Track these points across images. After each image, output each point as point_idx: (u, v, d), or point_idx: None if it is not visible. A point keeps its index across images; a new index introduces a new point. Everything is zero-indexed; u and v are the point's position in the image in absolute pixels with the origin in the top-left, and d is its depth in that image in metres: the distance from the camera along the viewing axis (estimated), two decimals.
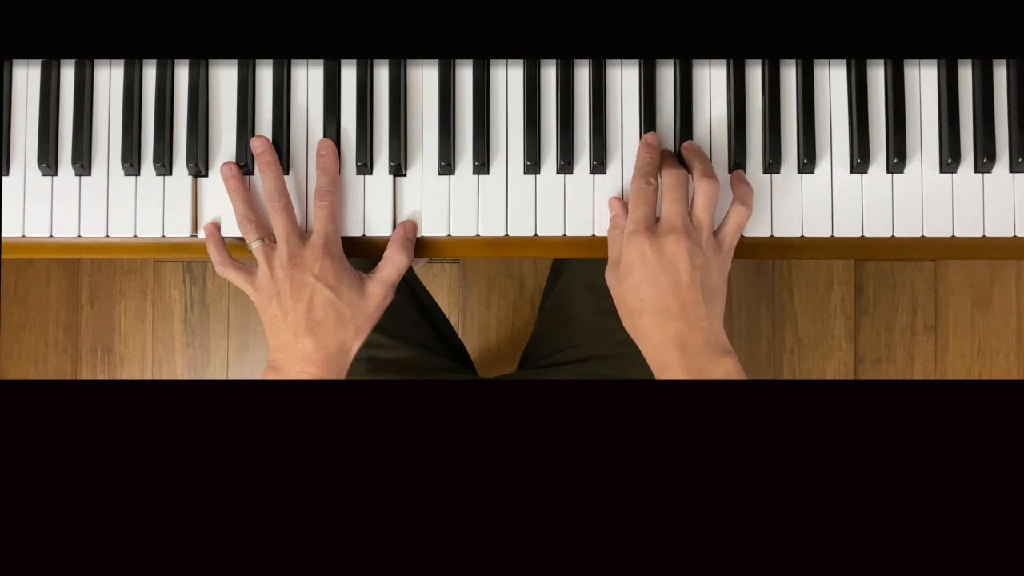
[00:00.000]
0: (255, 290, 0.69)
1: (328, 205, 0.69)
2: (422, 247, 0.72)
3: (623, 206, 0.69)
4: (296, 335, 0.67)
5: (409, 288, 0.97)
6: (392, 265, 0.70)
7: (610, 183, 0.71)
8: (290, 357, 0.67)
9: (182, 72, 0.72)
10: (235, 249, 0.72)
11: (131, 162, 0.71)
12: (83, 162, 0.71)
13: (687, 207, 0.65)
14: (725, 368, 0.64)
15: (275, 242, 0.68)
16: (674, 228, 0.64)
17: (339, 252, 0.69)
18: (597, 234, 0.71)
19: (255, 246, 0.69)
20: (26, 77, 0.72)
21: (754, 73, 0.72)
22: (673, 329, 0.64)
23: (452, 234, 0.72)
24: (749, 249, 0.72)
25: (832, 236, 0.71)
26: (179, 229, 0.72)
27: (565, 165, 0.71)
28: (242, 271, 0.70)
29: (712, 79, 0.72)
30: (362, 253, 0.72)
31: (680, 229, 0.64)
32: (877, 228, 0.71)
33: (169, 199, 0.72)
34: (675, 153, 0.71)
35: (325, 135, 0.71)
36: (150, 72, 0.72)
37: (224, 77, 0.72)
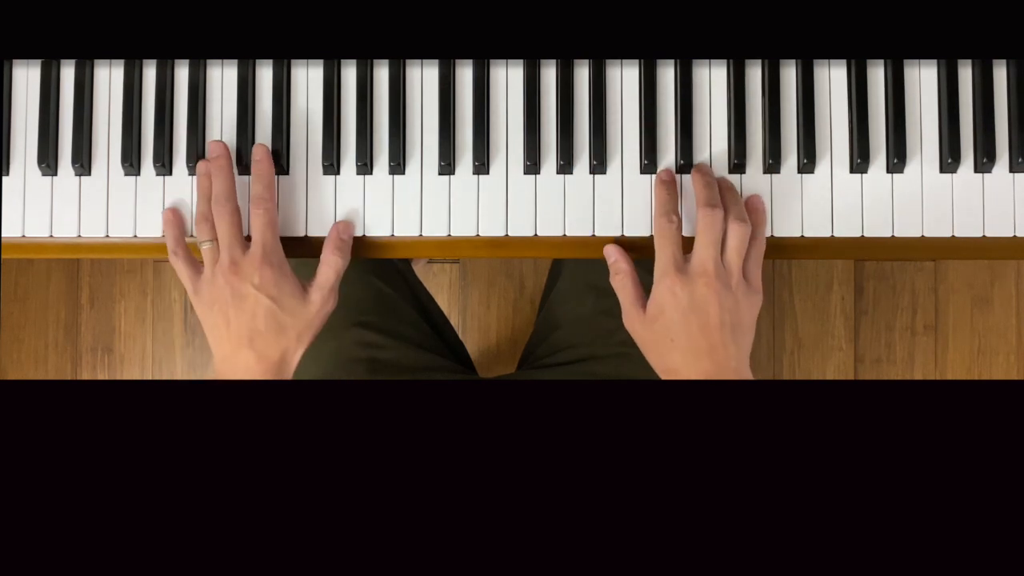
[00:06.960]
0: (195, 291, 0.69)
1: (264, 212, 0.68)
2: (422, 246, 0.72)
3: (621, 252, 0.69)
4: (237, 347, 0.67)
5: (409, 288, 0.97)
6: (329, 268, 0.69)
7: (610, 183, 0.71)
8: (233, 368, 0.67)
9: (182, 72, 0.72)
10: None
11: (131, 162, 0.71)
12: (83, 162, 0.71)
13: (719, 250, 0.66)
14: None
15: None
16: (705, 271, 0.65)
17: (279, 260, 0.68)
18: (597, 234, 0.71)
19: (205, 247, 0.68)
20: (26, 77, 0.72)
21: (754, 73, 0.72)
22: (702, 368, 0.65)
23: (452, 234, 0.72)
24: None
25: (832, 236, 0.71)
26: None
27: (565, 165, 0.71)
28: (192, 266, 0.69)
29: (712, 79, 0.72)
30: (361, 253, 0.72)
31: (711, 272, 0.65)
32: (877, 228, 0.71)
33: (169, 199, 0.72)
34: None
35: (323, 135, 0.71)
36: (150, 72, 0.72)
37: (224, 77, 0.72)
